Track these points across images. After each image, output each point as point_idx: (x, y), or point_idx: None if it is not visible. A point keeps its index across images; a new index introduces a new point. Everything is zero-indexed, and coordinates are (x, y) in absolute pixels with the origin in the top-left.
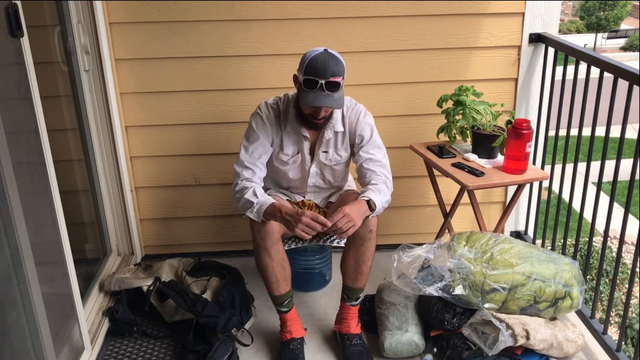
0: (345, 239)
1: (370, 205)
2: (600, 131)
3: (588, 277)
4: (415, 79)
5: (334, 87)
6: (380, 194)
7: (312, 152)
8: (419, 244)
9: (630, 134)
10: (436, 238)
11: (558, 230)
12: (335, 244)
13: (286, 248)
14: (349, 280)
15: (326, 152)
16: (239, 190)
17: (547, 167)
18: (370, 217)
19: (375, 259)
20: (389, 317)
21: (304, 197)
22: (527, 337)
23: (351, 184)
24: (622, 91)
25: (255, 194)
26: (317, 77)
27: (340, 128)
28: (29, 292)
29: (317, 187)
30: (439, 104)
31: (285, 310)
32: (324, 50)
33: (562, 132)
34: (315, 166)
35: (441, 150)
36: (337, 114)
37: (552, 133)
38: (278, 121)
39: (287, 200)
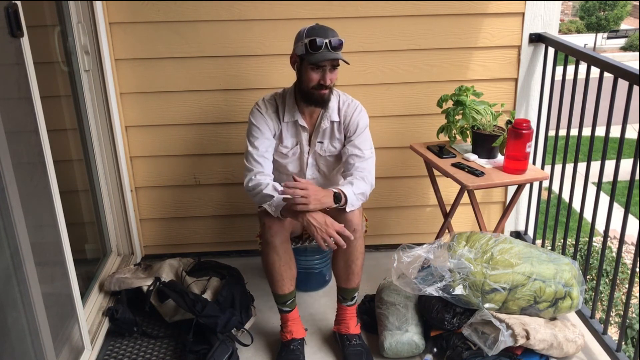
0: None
1: (336, 196)
2: (600, 131)
3: (588, 277)
4: (415, 79)
5: (338, 46)
6: (353, 185)
7: (310, 143)
8: (419, 244)
9: (630, 134)
10: (436, 238)
11: (558, 230)
12: None
13: None
14: (341, 281)
15: (321, 142)
16: (254, 185)
17: (547, 167)
18: (348, 211)
19: (376, 258)
20: (389, 317)
21: None
22: (527, 337)
23: None
24: (622, 91)
25: (275, 189)
26: (321, 37)
27: (336, 118)
28: (29, 292)
29: (314, 180)
30: (439, 104)
31: (288, 310)
32: (316, 23)
33: (562, 132)
34: (312, 157)
35: (441, 150)
36: (334, 103)
37: (552, 133)
38: (276, 114)
39: None
